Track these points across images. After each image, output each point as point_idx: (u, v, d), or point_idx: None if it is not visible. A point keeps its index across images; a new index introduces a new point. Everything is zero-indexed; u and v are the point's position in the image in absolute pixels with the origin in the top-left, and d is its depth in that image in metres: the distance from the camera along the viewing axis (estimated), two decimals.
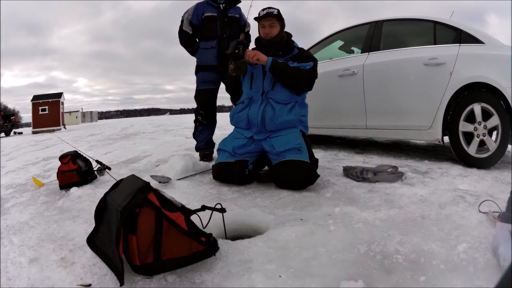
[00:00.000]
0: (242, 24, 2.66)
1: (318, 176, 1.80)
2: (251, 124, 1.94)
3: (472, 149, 2.11)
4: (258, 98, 1.94)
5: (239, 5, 2.65)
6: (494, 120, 2.04)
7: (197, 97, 2.62)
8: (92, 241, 1.09)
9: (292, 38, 2.04)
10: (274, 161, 1.82)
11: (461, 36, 2.26)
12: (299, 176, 1.72)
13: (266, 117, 1.87)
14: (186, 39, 2.56)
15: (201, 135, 2.65)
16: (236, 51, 1.86)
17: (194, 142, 2.76)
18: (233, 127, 2.07)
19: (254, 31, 2.15)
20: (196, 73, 2.60)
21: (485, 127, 2.07)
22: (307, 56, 1.97)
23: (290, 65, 1.88)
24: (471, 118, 2.12)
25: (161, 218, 0.95)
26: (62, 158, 2.10)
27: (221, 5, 2.52)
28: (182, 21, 2.53)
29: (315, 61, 1.96)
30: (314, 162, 1.81)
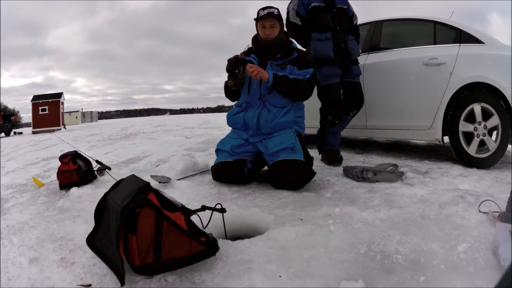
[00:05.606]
0: (349, 15, 2.45)
1: (314, 173, 1.80)
2: (247, 126, 1.95)
3: (472, 149, 2.11)
4: (256, 102, 1.94)
5: None
6: (494, 120, 2.04)
7: (327, 93, 2.33)
8: (92, 241, 1.09)
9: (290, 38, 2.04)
10: (269, 162, 1.82)
11: (461, 36, 2.26)
12: (294, 175, 1.72)
13: (261, 120, 1.88)
14: (295, 31, 2.36)
15: (334, 137, 2.41)
16: (237, 71, 1.83)
17: (194, 142, 2.75)
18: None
19: (253, 30, 2.10)
20: (318, 67, 2.22)
21: (485, 127, 2.07)
22: (306, 61, 1.94)
23: (290, 78, 1.85)
24: (471, 118, 2.12)
25: (161, 218, 0.95)
26: (62, 158, 2.11)
27: None
28: (288, 12, 2.37)
29: (314, 66, 1.95)
30: (309, 160, 1.81)
